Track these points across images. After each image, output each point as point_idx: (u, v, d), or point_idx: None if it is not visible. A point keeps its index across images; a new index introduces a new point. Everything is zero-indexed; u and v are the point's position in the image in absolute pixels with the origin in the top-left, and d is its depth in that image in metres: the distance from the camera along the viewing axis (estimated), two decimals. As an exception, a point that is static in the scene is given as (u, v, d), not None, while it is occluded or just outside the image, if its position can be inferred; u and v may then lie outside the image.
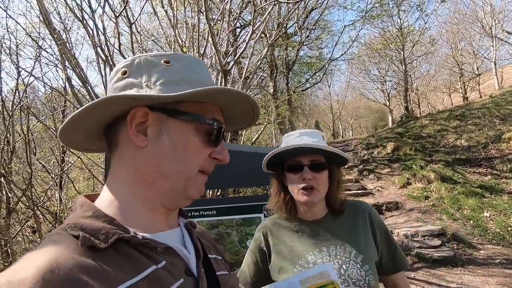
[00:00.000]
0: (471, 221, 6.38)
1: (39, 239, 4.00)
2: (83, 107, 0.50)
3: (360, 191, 8.33)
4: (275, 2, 3.47)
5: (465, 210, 6.78)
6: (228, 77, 3.64)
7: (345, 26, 13.26)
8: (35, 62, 4.50)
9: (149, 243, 0.48)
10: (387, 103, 23.27)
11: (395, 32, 17.30)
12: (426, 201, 7.41)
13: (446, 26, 21.15)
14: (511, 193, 7.13)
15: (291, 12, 7.05)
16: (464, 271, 4.69)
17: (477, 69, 19.86)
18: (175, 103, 0.53)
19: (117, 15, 2.71)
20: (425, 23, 16.81)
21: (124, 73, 0.55)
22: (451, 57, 20.60)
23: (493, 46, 18.06)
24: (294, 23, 11.05)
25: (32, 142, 5.11)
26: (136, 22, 3.26)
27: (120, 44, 2.88)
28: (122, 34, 3.02)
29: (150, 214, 0.53)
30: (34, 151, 5.17)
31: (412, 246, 5.32)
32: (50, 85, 4.95)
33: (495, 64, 18.17)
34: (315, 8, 11.50)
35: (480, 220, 6.38)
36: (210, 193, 3.43)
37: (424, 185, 8.05)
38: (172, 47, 3.95)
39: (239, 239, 1.80)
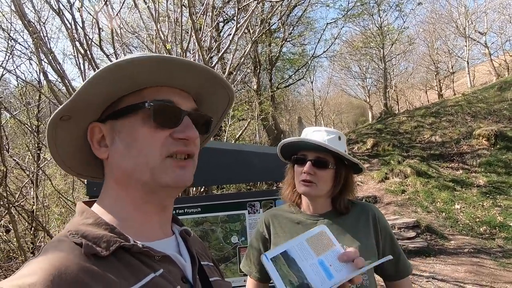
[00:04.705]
0: (443, 213, 6.75)
1: (14, 239, 3.86)
2: (48, 143, 0.54)
3: (341, 186, 8.57)
4: (259, 0, 3.48)
5: (438, 203, 7.16)
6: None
7: (327, 23, 13.41)
8: (6, 54, 4.28)
9: (148, 252, 0.49)
10: (367, 100, 23.86)
11: (375, 31, 17.71)
12: (403, 194, 7.74)
13: (423, 26, 21.87)
14: (480, 186, 7.59)
15: (274, 8, 7.05)
16: (436, 261, 4.97)
17: (452, 67, 20.70)
18: (114, 105, 0.54)
19: (98, 10, 2.62)
20: (404, 22, 17.47)
21: None
22: (427, 56, 21.35)
23: (466, 45, 18.89)
24: (278, 19, 11.06)
25: (5, 138, 4.88)
26: (116, 15, 3.17)
27: (100, 40, 2.80)
28: (103, 30, 2.93)
29: (143, 218, 0.54)
30: (7, 147, 4.94)
31: (389, 238, 5.60)
32: (24, 78, 4.73)
33: (468, 63, 19.04)
34: (298, 4, 11.56)
35: (452, 212, 6.76)
36: (194, 190, 3.43)
37: (401, 179, 8.40)
38: (154, 41, 3.87)
39: (223, 236, 1.83)
